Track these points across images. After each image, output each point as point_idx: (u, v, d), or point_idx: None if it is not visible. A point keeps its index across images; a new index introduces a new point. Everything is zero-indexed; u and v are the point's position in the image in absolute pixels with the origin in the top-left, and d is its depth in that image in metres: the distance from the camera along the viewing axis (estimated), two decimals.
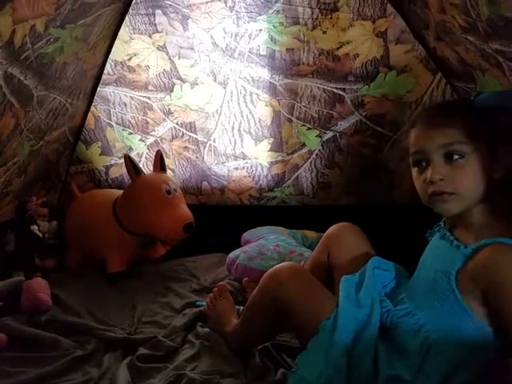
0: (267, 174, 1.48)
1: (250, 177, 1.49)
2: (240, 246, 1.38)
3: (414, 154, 0.73)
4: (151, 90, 1.40)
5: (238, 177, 1.50)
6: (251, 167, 1.48)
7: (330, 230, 0.93)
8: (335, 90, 1.31)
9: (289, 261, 1.11)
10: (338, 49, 1.24)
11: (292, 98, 1.34)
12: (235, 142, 1.45)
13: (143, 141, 1.49)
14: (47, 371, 0.86)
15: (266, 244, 1.21)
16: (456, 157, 0.66)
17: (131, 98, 1.43)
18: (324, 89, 1.31)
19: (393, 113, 1.30)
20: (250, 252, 1.19)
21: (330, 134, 1.37)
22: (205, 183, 1.53)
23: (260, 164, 1.46)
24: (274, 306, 0.77)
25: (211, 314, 1.00)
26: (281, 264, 0.82)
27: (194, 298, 1.16)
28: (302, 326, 0.75)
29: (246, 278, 1.10)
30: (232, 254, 1.24)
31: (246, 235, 1.38)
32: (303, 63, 1.28)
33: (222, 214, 1.54)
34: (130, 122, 1.47)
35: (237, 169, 1.49)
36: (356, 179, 1.42)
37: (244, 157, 1.47)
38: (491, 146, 0.66)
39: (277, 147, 1.43)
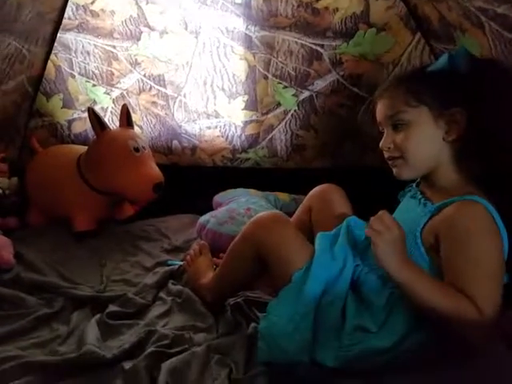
0: (241, 135, 1.45)
1: (222, 137, 1.46)
2: (212, 208, 1.38)
3: (378, 126, 0.78)
4: (117, 38, 1.33)
5: (211, 136, 1.47)
6: (224, 126, 1.44)
7: (314, 189, 0.98)
8: (313, 46, 1.27)
9: None
10: (317, 1, 1.19)
11: (268, 53, 1.30)
12: (207, 99, 1.41)
13: (108, 94, 1.42)
14: (12, 329, 0.85)
15: (236, 208, 1.20)
16: (400, 125, 0.71)
17: (95, 46, 1.35)
18: (302, 44, 1.27)
19: (370, 73, 1.27)
20: (220, 217, 1.19)
21: (306, 94, 1.35)
22: (175, 142, 1.50)
23: (234, 123, 1.43)
24: (255, 252, 0.79)
25: (189, 270, 1.01)
26: (265, 211, 0.85)
27: (166, 258, 1.17)
28: (277, 275, 0.77)
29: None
30: (201, 219, 1.23)
31: (217, 197, 1.38)
32: (281, 14, 1.23)
33: (193, 175, 1.51)
34: (93, 72, 1.39)
35: (209, 128, 1.45)
36: (331, 141, 1.41)
37: (217, 115, 1.43)
38: (441, 110, 0.68)
39: (251, 106, 1.39)
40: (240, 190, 1.36)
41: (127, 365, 0.75)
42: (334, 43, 1.25)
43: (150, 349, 0.78)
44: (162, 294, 1.00)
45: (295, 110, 1.38)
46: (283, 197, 1.35)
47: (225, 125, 1.44)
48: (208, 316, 0.90)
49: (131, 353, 0.79)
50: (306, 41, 1.26)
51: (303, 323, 0.69)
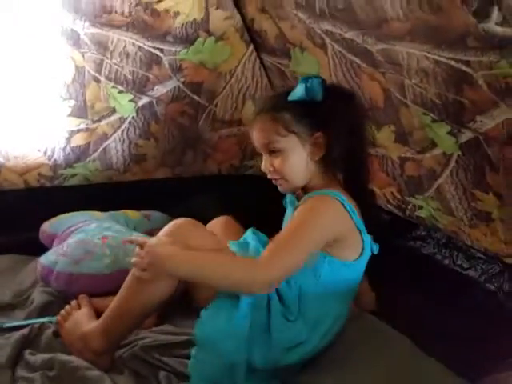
0: (65, 146, 1.29)
1: (40, 150, 1.27)
2: (37, 242, 1.20)
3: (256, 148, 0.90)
4: None
5: (23, 150, 1.25)
6: (43, 137, 1.25)
7: (211, 223, 1.07)
8: (152, 50, 1.26)
9: (124, 253, 1.06)
10: (157, 2, 1.19)
11: (100, 53, 1.20)
12: (19, 103, 1.18)
13: None
14: None
15: (88, 239, 1.08)
16: (275, 151, 0.85)
17: None
18: (140, 46, 1.24)
19: (209, 82, 1.37)
20: (72, 254, 1.04)
21: (145, 100, 1.32)
22: None
23: (55, 133, 1.26)
24: None
25: (65, 325, 0.90)
26: (177, 220, 0.85)
27: None
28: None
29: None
30: (45, 261, 1.05)
31: (47, 228, 1.20)
32: (116, 12, 1.16)
33: None
34: None
35: (21, 138, 1.23)
36: (172, 151, 1.44)
37: (32, 122, 1.22)
38: (306, 136, 0.84)
39: (79, 112, 1.26)
40: (79, 214, 1.23)
41: None
42: (174, 48, 1.28)
43: None
44: (21, 373, 0.82)
45: (133, 117, 1.34)
46: (134, 215, 1.30)
47: (43, 135, 1.25)
48: (103, 379, 0.80)
49: None
50: (145, 44, 1.24)
51: (242, 320, 0.76)
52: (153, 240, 0.80)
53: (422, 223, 1.16)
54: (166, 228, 0.84)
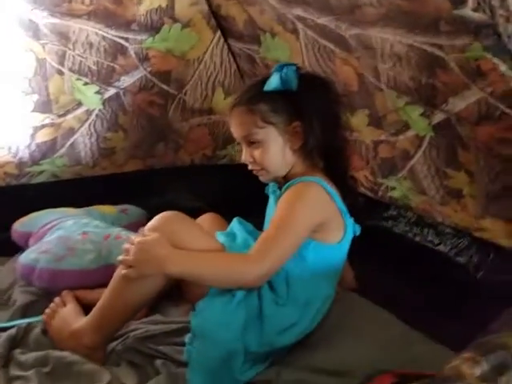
0: (30, 143, 1.23)
1: (4, 148, 1.20)
2: (9, 242, 1.14)
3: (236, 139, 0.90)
4: None
5: None
6: (6, 134, 1.18)
7: (199, 219, 1.02)
8: (117, 39, 1.21)
9: (107, 249, 1.03)
10: None
11: (62, 44, 1.14)
12: None
13: None
14: None
15: (68, 235, 1.04)
16: (254, 143, 0.85)
17: None
18: (104, 36, 1.18)
19: (178, 70, 1.33)
20: (54, 250, 1.00)
21: (112, 91, 1.27)
22: None
23: (19, 129, 1.19)
24: None
25: (52, 324, 0.87)
26: (164, 213, 0.81)
27: None
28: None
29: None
30: (25, 260, 1.00)
31: (19, 227, 1.14)
32: (76, 1, 1.10)
33: None
34: None
35: None
36: (142, 142, 1.40)
37: None
38: (284, 126, 0.84)
39: (43, 107, 1.19)
40: (50, 212, 1.18)
41: None
42: (139, 37, 1.23)
43: None
44: (14, 372, 0.79)
45: (100, 110, 1.28)
46: (110, 210, 1.26)
47: (6, 132, 1.18)
48: (101, 372, 0.78)
49: None
50: (109, 33, 1.19)
51: (237, 310, 0.76)
52: (145, 237, 0.77)
53: (394, 203, 1.19)
54: (153, 222, 0.81)
